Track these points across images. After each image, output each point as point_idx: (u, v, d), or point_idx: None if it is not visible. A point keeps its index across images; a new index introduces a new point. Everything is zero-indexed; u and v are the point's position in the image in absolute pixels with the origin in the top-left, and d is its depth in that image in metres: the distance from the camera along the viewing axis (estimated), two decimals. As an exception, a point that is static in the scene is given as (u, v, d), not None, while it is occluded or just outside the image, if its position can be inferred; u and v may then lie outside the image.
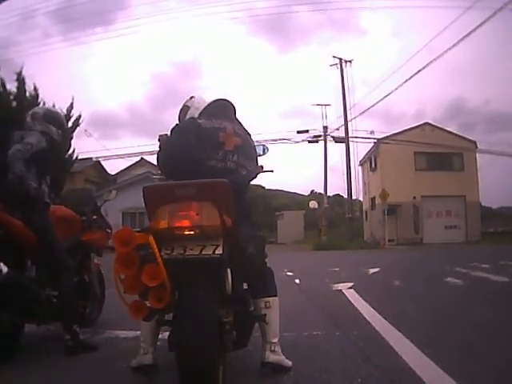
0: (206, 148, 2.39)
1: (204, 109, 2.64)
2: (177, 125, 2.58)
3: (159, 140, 2.66)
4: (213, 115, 2.53)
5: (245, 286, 2.41)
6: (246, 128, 2.68)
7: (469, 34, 21.46)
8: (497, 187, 47.07)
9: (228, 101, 2.67)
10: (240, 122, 2.65)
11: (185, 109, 2.76)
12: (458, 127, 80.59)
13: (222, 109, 2.61)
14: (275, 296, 2.52)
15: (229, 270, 2.05)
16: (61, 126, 3.50)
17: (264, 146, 3.04)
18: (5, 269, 2.63)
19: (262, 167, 2.78)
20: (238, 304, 2.22)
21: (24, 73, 17.12)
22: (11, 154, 3.01)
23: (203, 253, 1.93)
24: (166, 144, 2.54)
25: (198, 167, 2.34)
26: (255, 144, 2.74)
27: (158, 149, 2.65)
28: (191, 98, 2.80)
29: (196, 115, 2.62)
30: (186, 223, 1.93)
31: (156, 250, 1.89)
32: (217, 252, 1.93)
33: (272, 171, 2.97)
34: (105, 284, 4.07)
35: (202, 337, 1.82)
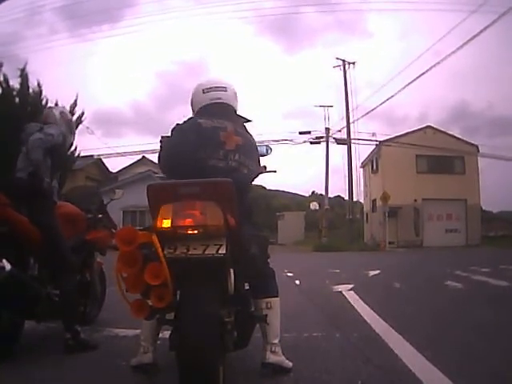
0: (207, 147, 2.38)
1: (201, 108, 2.59)
2: (177, 124, 2.55)
3: (161, 141, 2.65)
4: (213, 114, 2.50)
5: (246, 286, 2.41)
6: (248, 127, 2.65)
7: (473, 37, 21.49)
8: (498, 191, 47.12)
9: (225, 103, 2.59)
10: (241, 122, 2.63)
11: (191, 97, 2.69)
12: (460, 131, 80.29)
13: (223, 108, 2.57)
14: (276, 297, 2.53)
15: (231, 270, 2.05)
16: (72, 139, 3.54)
17: (267, 146, 3.02)
18: (8, 266, 2.61)
19: (265, 167, 2.78)
20: (239, 304, 2.22)
21: (28, 69, 17.13)
22: (32, 141, 3.01)
23: (206, 252, 1.92)
24: (167, 144, 2.52)
25: (198, 167, 2.33)
26: (258, 144, 2.73)
27: (159, 148, 2.64)
28: (198, 86, 2.68)
29: (195, 110, 2.61)
30: (189, 222, 1.93)
31: (159, 249, 1.88)
32: (220, 252, 1.92)
33: (275, 171, 2.97)
34: (106, 282, 4.07)
35: (203, 337, 1.81)
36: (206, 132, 2.40)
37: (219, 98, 2.57)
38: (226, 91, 2.60)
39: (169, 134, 2.56)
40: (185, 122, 2.54)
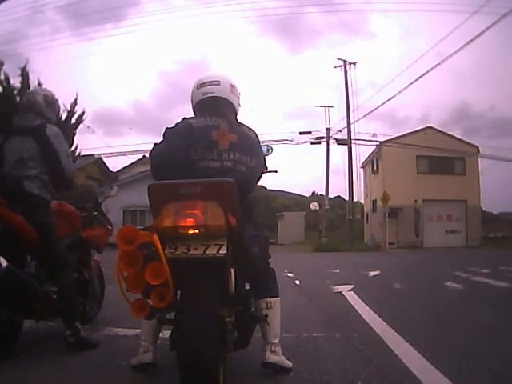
0: (198, 148, 2.34)
1: (196, 104, 2.56)
2: (167, 128, 2.49)
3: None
4: (208, 110, 2.46)
5: (246, 286, 2.41)
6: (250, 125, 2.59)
7: (473, 39, 21.48)
8: (498, 192, 47.09)
9: (219, 96, 2.54)
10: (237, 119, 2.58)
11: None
12: (462, 131, 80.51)
13: (217, 102, 2.51)
14: (277, 297, 2.52)
15: (232, 270, 2.04)
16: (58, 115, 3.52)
17: (268, 146, 3.00)
18: (4, 263, 2.60)
19: (266, 167, 2.77)
20: (239, 304, 2.22)
21: (30, 68, 17.13)
22: (54, 135, 3.10)
23: (207, 252, 1.91)
24: (156, 149, 2.46)
25: (191, 169, 2.30)
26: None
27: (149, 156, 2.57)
28: (196, 83, 2.63)
29: (192, 106, 2.59)
30: (190, 222, 1.92)
31: (160, 249, 1.88)
32: (221, 252, 1.92)
33: (276, 171, 2.96)
34: (104, 281, 4.06)
35: (204, 336, 1.81)
36: (198, 132, 2.36)
37: (212, 92, 2.52)
38: (219, 85, 2.54)
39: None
40: (176, 124, 2.48)
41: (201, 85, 2.57)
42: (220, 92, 2.53)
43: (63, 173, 3.15)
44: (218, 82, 2.55)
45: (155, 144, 2.48)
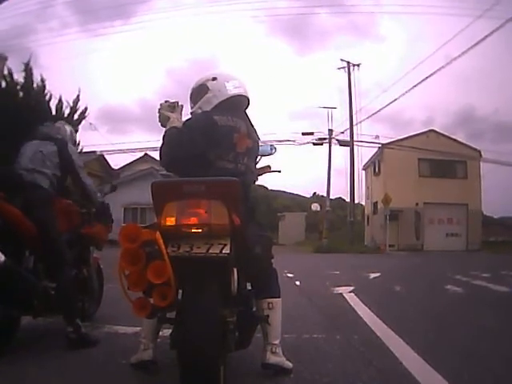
0: (219, 148, 2.34)
1: (223, 101, 2.47)
2: (186, 120, 2.42)
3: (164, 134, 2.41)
4: (230, 110, 2.42)
5: (248, 286, 2.41)
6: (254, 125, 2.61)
7: (478, 42, 21.37)
8: (499, 197, 47.07)
9: (245, 96, 2.55)
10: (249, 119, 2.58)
11: (204, 89, 2.51)
12: (466, 135, 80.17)
13: (240, 104, 2.53)
14: (278, 297, 2.52)
15: (235, 270, 2.04)
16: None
17: (272, 145, 2.99)
18: (2, 257, 2.58)
19: (269, 167, 2.77)
20: (241, 304, 2.20)
21: (34, 63, 17.11)
22: (75, 153, 3.45)
23: (210, 251, 1.91)
24: (175, 139, 2.32)
25: (207, 167, 2.29)
26: (261, 144, 2.71)
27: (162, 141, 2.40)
28: (214, 79, 2.51)
29: (213, 103, 2.46)
30: (193, 221, 1.92)
31: (162, 247, 1.87)
32: (224, 251, 1.91)
33: (279, 171, 2.96)
34: (103, 278, 4.05)
35: (205, 336, 1.80)
36: (221, 131, 2.33)
37: (245, 92, 2.56)
38: (244, 86, 2.57)
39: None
40: (196, 116, 2.44)
41: (232, 83, 2.52)
42: (245, 91, 2.57)
43: (86, 189, 3.46)
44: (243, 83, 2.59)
45: (172, 128, 2.37)
